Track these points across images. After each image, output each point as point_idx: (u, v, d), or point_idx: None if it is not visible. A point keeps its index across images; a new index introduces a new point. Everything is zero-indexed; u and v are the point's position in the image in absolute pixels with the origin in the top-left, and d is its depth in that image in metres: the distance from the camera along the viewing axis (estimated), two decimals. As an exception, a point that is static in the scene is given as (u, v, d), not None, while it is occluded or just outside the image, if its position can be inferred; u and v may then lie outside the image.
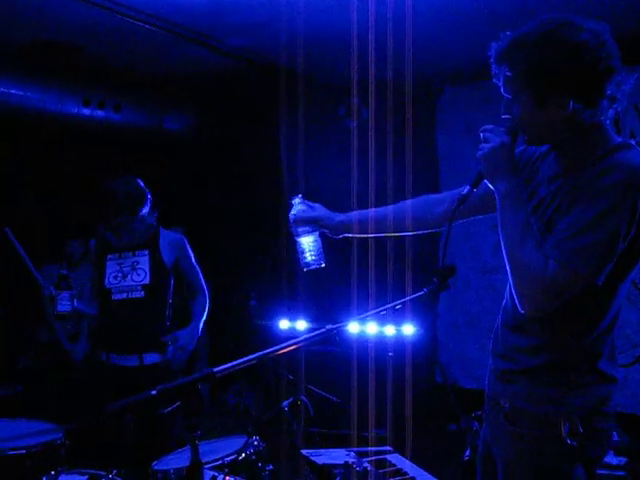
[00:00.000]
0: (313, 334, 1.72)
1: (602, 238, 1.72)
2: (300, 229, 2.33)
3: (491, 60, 1.84)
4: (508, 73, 1.80)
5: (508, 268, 1.85)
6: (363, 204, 6.10)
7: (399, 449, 3.35)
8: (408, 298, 1.79)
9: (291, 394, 4.19)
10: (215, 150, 6.65)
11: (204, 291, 3.82)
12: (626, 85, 1.79)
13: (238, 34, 5.01)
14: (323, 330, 1.74)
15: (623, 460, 3.80)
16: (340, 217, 2.41)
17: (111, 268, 3.59)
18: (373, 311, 1.82)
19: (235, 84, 6.11)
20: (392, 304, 1.81)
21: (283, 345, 1.69)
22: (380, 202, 5.43)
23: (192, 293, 3.81)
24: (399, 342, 5.56)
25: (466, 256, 5.76)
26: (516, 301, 1.85)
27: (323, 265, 2.33)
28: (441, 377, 5.91)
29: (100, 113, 5.58)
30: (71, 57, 5.31)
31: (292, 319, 5.80)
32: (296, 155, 6.16)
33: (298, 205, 2.38)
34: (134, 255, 3.59)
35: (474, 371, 5.59)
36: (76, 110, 5.46)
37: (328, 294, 6.12)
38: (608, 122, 1.84)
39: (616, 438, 3.81)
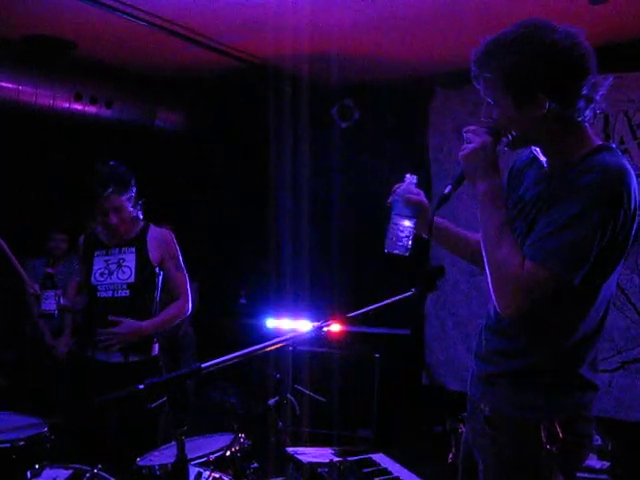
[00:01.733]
0: (299, 332, 1.73)
1: (578, 238, 1.73)
2: (403, 209, 2.10)
3: (471, 64, 1.88)
4: (487, 75, 1.84)
5: (486, 267, 1.86)
6: (352, 204, 6.15)
7: (384, 449, 3.37)
8: (395, 299, 1.80)
9: (277, 393, 4.19)
10: (206, 148, 6.65)
11: (187, 296, 3.61)
12: (601, 90, 1.82)
13: (231, 32, 5.01)
14: (310, 329, 1.75)
15: (606, 464, 3.82)
16: (436, 217, 2.21)
17: (98, 265, 3.52)
18: (360, 311, 1.84)
19: (228, 82, 6.12)
20: (379, 304, 1.82)
21: (270, 342, 1.70)
22: (369, 203, 5.48)
23: (173, 296, 3.62)
24: (386, 343, 5.59)
25: (455, 258, 5.76)
26: (494, 301, 1.86)
27: (407, 255, 2.05)
28: (427, 379, 5.93)
29: (92, 108, 5.57)
30: (64, 52, 5.31)
31: (280, 318, 5.80)
32: (286, 155, 6.17)
33: (412, 185, 2.16)
34: (121, 252, 3.53)
35: (460, 373, 5.61)
36: (68, 105, 5.46)
37: (316, 293, 6.13)
38: (587, 124, 1.87)
39: (599, 442, 3.83)
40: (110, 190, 3.42)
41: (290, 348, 5.18)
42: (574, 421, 1.90)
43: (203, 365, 1.60)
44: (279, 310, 5.86)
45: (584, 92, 1.79)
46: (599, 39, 4.78)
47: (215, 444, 2.98)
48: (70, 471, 2.76)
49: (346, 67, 5.62)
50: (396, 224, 2.06)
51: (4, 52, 5.10)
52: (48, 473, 2.77)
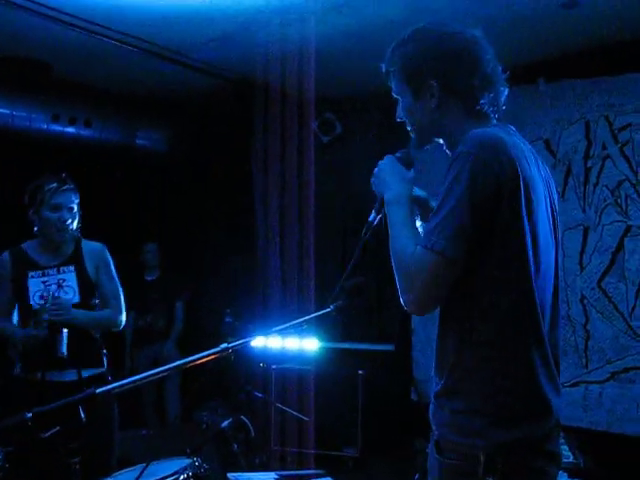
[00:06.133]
0: (207, 352, 1.66)
1: (449, 210, 1.67)
2: None
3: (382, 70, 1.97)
4: (390, 70, 1.94)
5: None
6: (338, 218, 6.09)
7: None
8: (312, 316, 1.72)
9: (261, 412, 4.12)
10: (188, 165, 6.61)
11: (118, 307, 3.53)
12: (499, 84, 1.88)
13: (204, 48, 4.97)
14: (217, 349, 1.67)
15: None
16: None
17: (35, 287, 3.37)
18: (278, 328, 1.77)
19: (207, 99, 6.08)
20: (296, 321, 1.74)
21: (166, 367, 1.64)
22: (355, 217, 5.39)
23: (106, 306, 3.53)
24: (369, 360, 5.50)
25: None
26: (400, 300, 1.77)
27: None
28: (416, 395, 5.81)
29: (71, 129, 5.54)
30: (40, 73, 5.28)
31: (266, 336, 5.69)
32: (268, 170, 6.11)
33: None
34: (59, 272, 3.40)
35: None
36: (46, 126, 5.43)
37: (304, 310, 6.05)
38: (492, 116, 1.88)
39: (571, 459, 3.66)
40: (67, 186, 3.41)
41: (261, 365, 5.12)
42: (524, 453, 1.71)
43: (97, 390, 1.52)
44: (265, 329, 5.76)
45: (475, 83, 1.82)
46: (575, 44, 4.74)
47: (170, 469, 2.90)
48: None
49: (327, 80, 5.55)
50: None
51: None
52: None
